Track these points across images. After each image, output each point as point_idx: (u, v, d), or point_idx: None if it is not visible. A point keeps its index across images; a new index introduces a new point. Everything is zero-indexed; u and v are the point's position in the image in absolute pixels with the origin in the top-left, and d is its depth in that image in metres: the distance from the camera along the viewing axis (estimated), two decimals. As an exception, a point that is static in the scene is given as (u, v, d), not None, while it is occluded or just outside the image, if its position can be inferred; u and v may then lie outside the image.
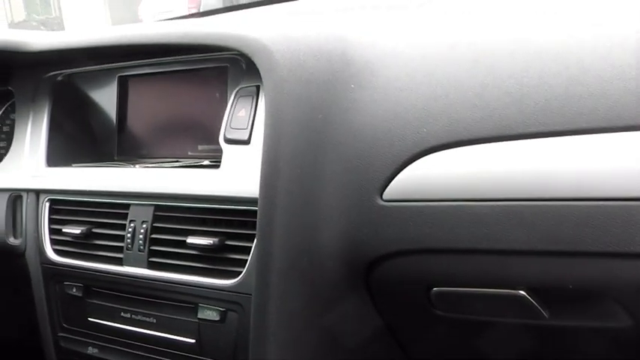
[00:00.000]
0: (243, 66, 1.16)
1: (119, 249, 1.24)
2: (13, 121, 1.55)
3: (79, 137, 1.47)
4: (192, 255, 1.14)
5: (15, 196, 1.43)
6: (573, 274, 0.88)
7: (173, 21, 1.48)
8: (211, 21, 1.26)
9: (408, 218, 0.94)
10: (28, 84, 1.48)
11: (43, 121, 1.44)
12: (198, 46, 1.16)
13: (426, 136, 0.93)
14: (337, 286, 1.02)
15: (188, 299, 1.16)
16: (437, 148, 0.92)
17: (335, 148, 0.98)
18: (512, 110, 0.88)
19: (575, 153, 0.83)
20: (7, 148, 1.55)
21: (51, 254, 1.37)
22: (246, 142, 1.10)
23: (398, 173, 0.94)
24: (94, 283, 1.31)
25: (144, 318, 1.24)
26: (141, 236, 1.20)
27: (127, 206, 1.24)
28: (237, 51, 1.06)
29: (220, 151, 1.14)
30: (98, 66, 1.42)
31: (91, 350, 1.36)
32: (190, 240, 1.13)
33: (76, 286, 1.34)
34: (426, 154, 0.93)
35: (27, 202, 1.41)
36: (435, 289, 0.99)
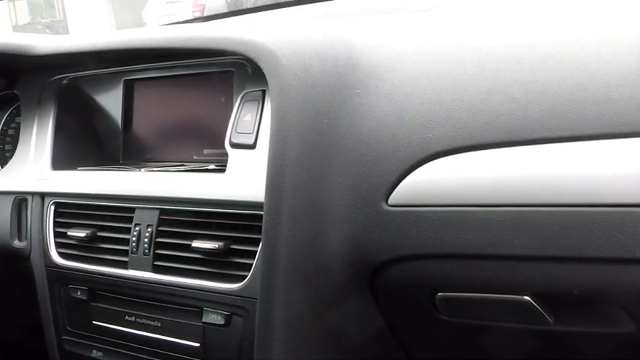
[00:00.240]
0: (249, 70, 1.17)
1: (124, 252, 1.25)
2: (19, 124, 1.55)
3: (85, 140, 1.48)
4: (198, 259, 1.15)
5: (20, 199, 1.44)
6: (578, 279, 0.88)
7: (178, 25, 1.49)
8: (217, 25, 1.27)
9: (413, 223, 0.94)
10: (33, 87, 1.48)
11: (48, 124, 1.45)
12: (204, 50, 1.16)
13: (431, 142, 0.93)
14: (342, 289, 1.02)
15: (193, 303, 1.16)
16: (442, 153, 0.92)
17: (341, 152, 0.98)
18: (518, 116, 0.88)
19: (580, 159, 0.83)
20: (12, 151, 1.55)
21: (56, 257, 1.37)
22: (252, 146, 1.10)
23: (403, 178, 0.94)
24: (98, 286, 1.31)
25: (148, 321, 1.24)
26: (146, 240, 1.21)
27: (132, 210, 1.24)
28: (243, 55, 1.07)
29: (226, 155, 1.14)
30: (104, 69, 1.42)
31: (95, 353, 1.36)
32: (195, 244, 1.13)
33: (80, 289, 1.34)
34: (431, 160, 0.93)
35: (32, 205, 1.42)
36: (439, 294, 0.99)
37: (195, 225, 1.16)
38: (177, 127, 1.37)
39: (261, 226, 1.01)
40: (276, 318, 1.00)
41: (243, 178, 1.10)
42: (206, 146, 1.31)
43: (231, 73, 1.23)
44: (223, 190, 1.12)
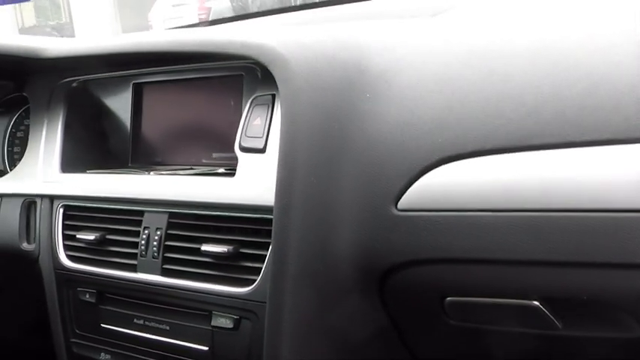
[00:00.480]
0: (259, 75, 1.17)
1: (133, 256, 1.25)
2: (27, 126, 1.56)
3: (94, 143, 1.48)
4: (207, 262, 1.15)
5: (29, 202, 1.44)
6: (586, 284, 0.88)
7: (188, 29, 1.49)
8: (226, 29, 1.27)
9: (422, 228, 0.94)
10: (43, 90, 1.49)
11: (57, 127, 1.45)
12: (214, 54, 1.16)
13: (440, 146, 0.93)
14: (351, 293, 1.02)
15: (202, 307, 1.17)
16: (452, 158, 0.92)
17: (350, 156, 0.98)
18: (527, 121, 0.88)
19: (589, 164, 0.83)
20: (21, 154, 1.56)
21: (64, 260, 1.37)
22: (262, 150, 1.11)
23: (413, 183, 0.94)
24: (107, 289, 1.31)
25: (157, 325, 1.24)
26: (155, 243, 1.21)
27: (141, 213, 1.25)
28: (254, 59, 1.07)
29: (235, 159, 1.14)
30: (113, 73, 1.42)
31: (103, 356, 1.36)
32: (205, 247, 1.13)
33: (89, 292, 1.34)
34: (440, 164, 0.93)
35: (41, 207, 1.42)
36: (448, 298, 0.99)
37: (205, 229, 1.16)
38: (186, 130, 1.37)
39: (270, 230, 1.01)
40: (286, 322, 1.00)
41: (252, 182, 1.10)
42: (215, 150, 1.31)
43: (241, 77, 1.23)
44: (233, 194, 1.12)
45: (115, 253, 1.29)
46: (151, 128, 1.42)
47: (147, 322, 1.26)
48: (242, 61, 1.18)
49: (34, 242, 1.43)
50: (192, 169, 1.30)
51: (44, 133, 1.47)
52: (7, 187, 1.47)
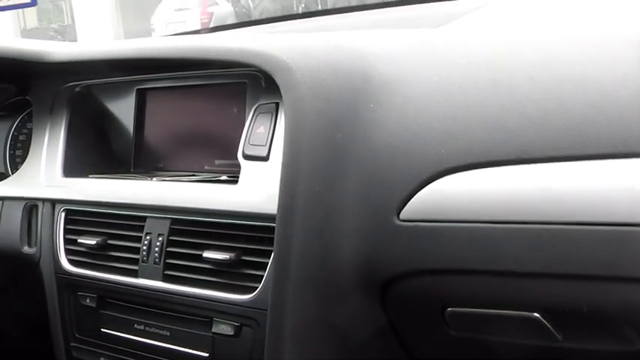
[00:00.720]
0: (263, 83, 1.17)
1: (134, 261, 1.25)
2: (30, 130, 1.56)
3: (96, 148, 1.48)
4: (208, 269, 1.15)
5: (31, 206, 1.44)
6: (588, 297, 0.88)
7: (192, 36, 1.49)
8: (231, 37, 1.27)
9: (424, 238, 0.94)
10: (46, 94, 1.49)
11: (60, 131, 1.45)
12: (218, 61, 1.16)
13: (444, 157, 0.93)
14: (353, 302, 1.02)
15: (203, 313, 1.17)
16: (455, 169, 0.92)
17: (354, 166, 0.98)
18: (531, 134, 0.88)
19: (593, 177, 0.83)
20: (23, 157, 1.56)
21: (65, 264, 1.37)
22: (265, 158, 1.11)
23: (415, 193, 0.94)
24: (108, 294, 1.32)
25: (157, 330, 1.24)
26: (157, 249, 1.21)
27: (143, 219, 1.25)
28: (257, 67, 1.07)
29: (238, 166, 1.14)
30: (117, 78, 1.43)
31: None
32: (206, 254, 1.13)
33: (89, 296, 1.34)
34: (444, 175, 0.93)
35: (42, 211, 1.42)
36: (449, 308, 0.99)
37: (207, 235, 1.16)
38: (189, 137, 1.37)
39: (272, 237, 1.01)
40: (287, 329, 1.00)
41: (255, 189, 1.10)
42: (218, 157, 1.31)
43: (245, 84, 1.23)
44: (235, 202, 1.12)
45: (117, 258, 1.29)
46: (153, 134, 1.43)
47: (147, 328, 1.26)
48: (246, 69, 1.18)
49: (35, 246, 1.43)
50: (194, 175, 1.30)
51: (47, 136, 1.47)
52: (8, 190, 1.47)
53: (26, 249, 1.44)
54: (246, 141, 1.14)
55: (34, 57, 1.40)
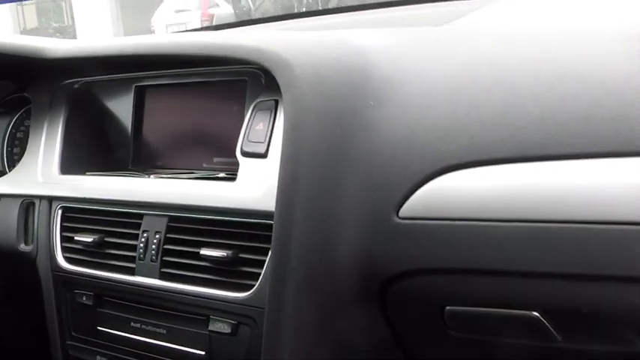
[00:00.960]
0: (262, 80, 1.16)
1: (131, 259, 1.24)
2: (28, 127, 1.55)
3: (94, 145, 1.47)
4: (205, 267, 1.14)
5: (27, 203, 1.43)
6: (590, 297, 0.87)
7: (191, 32, 1.49)
8: (231, 34, 1.27)
9: (423, 237, 0.93)
10: (45, 91, 1.48)
11: (58, 128, 1.44)
12: (218, 58, 1.16)
13: (445, 155, 0.92)
14: (352, 301, 1.02)
15: (199, 311, 1.16)
16: (456, 167, 0.91)
17: (354, 163, 0.97)
18: (534, 131, 0.87)
19: (595, 176, 0.83)
20: (20, 155, 1.55)
21: (62, 262, 1.36)
22: (264, 155, 1.10)
23: (415, 191, 0.94)
24: (104, 292, 1.31)
25: (154, 328, 1.23)
26: (154, 247, 1.20)
27: (140, 216, 1.24)
28: (258, 64, 1.06)
29: (236, 164, 1.13)
30: (115, 75, 1.42)
31: (99, 359, 1.35)
32: (204, 252, 1.12)
33: (86, 294, 1.33)
34: (444, 173, 0.92)
35: (39, 208, 1.41)
36: (448, 307, 0.98)
37: (204, 233, 1.15)
38: (187, 134, 1.37)
39: (270, 235, 1.01)
40: (285, 328, 1.00)
41: (253, 187, 1.10)
42: (216, 154, 1.30)
43: (244, 82, 1.23)
44: (233, 199, 1.11)
45: (113, 256, 1.28)
46: (152, 131, 1.42)
47: (144, 326, 1.25)
48: (246, 66, 1.18)
49: (32, 243, 1.42)
50: (192, 173, 1.29)
51: (44, 134, 1.46)
52: (5, 187, 1.46)
53: (23, 247, 1.43)
54: (245, 138, 1.13)
55: (32, 53, 1.40)
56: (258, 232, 1.09)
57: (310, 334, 1.02)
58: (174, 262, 1.18)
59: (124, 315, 1.28)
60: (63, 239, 1.37)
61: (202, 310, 1.15)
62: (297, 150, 0.97)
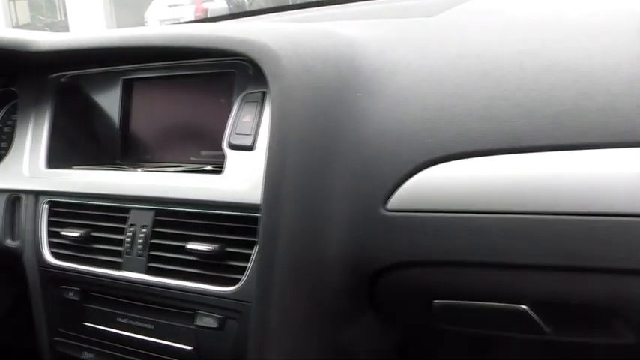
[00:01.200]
0: (250, 72, 1.15)
1: (118, 253, 1.23)
2: (15, 122, 1.54)
3: (81, 139, 1.46)
4: (192, 261, 1.13)
5: (14, 198, 1.42)
6: (578, 289, 0.87)
7: (180, 24, 1.48)
8: (218, 25, 1.26)
9: (411, 229, 0.93)
10: (32, 85, 1.47)
11: (45, 122, 1.43)
12: (205, 49, 1.15)
13: (432, 147, 0.92)
14: (340, 294, 1.01)
15: (186, 306, 1.15)
16: (443, 159, 0.91)
17: (341, 155, 0.97)
18: (521, 123, 0.87)
19: (583, 167, 0.82)
20: (7, 149, 1.54)
21: (49, 257, 1.35)
22: (250, 148, 1.09)
23: (402, 183, 0.93)
24: (91, 287, 1.30)
25: (141, 324, 1.22)
26: (140, 241, 1.19)
27: (127, 210, 1.23)
28: (245, 56, 1.05)
29: (223, 157, 1.12)
30: (103, 68, 1.41)
31: (86, 355, 1.34)
32: (190, 245, 1.11)
33: (73, 290, 1.32)
34: (432, 165, 0.92)
35: (26, 203, 1.40)
36: (436, 300, 0.98)
37: (191, 226, 1.14)
38: (175, 127, 1.36)
39: (256, 228, 1.00)
40: (273, 321, 0.99)
41: (240, 179, 1.09)
42: (204, 147, 1.29)
43: (233, 74, 1.22)
44: (219, 192, 1.10)
45: (100, 251, 1.27)
46: (140, 125, 1.41)
47: (131, 321, 1.24)
48: (233, 58, 1.17)
49: (19, 239, 1.41)
50: (180, 166, 1.28)
51: (31, 128, 1.45)
52: (-9, 182, 1.45)
53: (9, 242, 1.42)
54: (232, 130, 1.12)
55: (18, 46, 1.38)
56: (244, 226, 1.08)
57: (298, 327, 1.02)
58: (161, 256, 1.17)
59: (111, 310, 1.27)
60: (50, 234, 1.36)
61: (189, 304, 1.14)
62: (283, 141, 0.96)
